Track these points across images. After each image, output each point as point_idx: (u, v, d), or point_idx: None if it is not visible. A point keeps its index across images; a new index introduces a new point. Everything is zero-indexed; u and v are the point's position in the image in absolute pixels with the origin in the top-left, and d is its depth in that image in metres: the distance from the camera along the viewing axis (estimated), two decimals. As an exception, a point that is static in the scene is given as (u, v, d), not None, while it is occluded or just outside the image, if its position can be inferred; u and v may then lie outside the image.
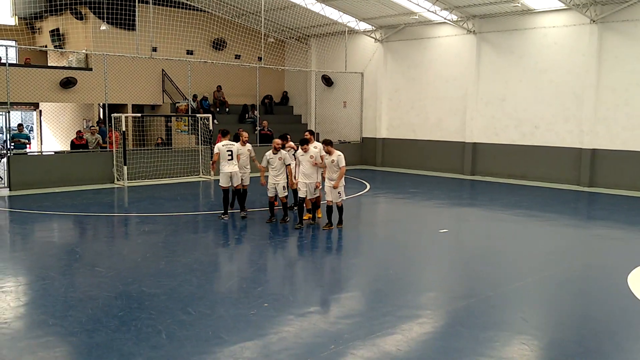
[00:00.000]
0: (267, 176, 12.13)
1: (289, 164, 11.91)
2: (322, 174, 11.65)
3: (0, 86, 17.10)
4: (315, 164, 11.43)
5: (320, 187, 11.69)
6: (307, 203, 11.94)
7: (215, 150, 12.58)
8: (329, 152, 11.35)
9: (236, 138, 12.94)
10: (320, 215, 12.14)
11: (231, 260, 9.93)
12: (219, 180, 12.69)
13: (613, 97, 17.70)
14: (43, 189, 16.46)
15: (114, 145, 18.19)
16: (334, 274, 9.11)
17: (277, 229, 11.63)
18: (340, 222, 11.59)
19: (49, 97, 21.13)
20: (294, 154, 12.13)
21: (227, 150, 12.37)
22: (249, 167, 12.97)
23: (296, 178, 11.77)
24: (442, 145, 22.08)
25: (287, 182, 11.95)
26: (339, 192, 11.34)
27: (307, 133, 12.41)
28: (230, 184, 12.47)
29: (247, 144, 12.86)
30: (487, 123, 20.78)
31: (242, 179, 12.61)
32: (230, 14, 23.34)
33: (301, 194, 11.57)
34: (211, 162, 13.22)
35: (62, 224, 12.52)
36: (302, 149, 11.45)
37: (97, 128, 19.82)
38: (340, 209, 11.55)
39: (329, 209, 11.53)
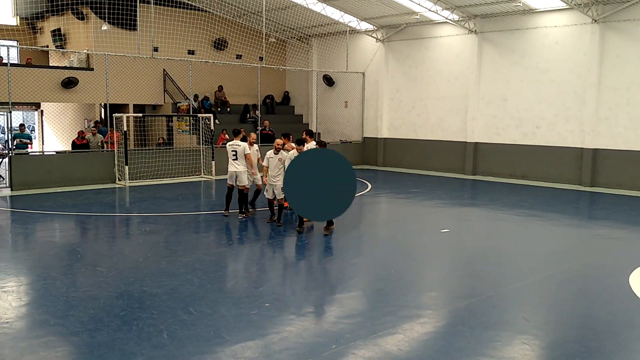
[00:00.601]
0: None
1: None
2: None
3: (2, 86, 17.13)
4: None
5: None
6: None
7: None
8: None
9: (243, 138, 12.85)
10: (307, 219, 11.77)
11: (232, 260, 9.92)
12: (225, 180, 12.81)
13: (614, 97, 17.68)
14: (44, 189, 16.48)
15: (115, 145, 18.21)
16: (335, 273, 9.11)
17: (278, 229, 11.62)
18: (328, 226, 11.25)
19: (51, 97, 21.17)
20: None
21: (232, 150, 12.43)
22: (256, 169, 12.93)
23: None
24: (444, 145, 22.07)
25: None
26: None
27: (304, 132, 12.40)
28: (234, 184, 12.50)
29: (254, 145, 12.90)
30: (488, 123, 20.77)
31: (252, 180, 12.64)
32: (231, 14, 23.35)
33: None
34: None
35: (63, 224, 12.54)
36: (297, 149, 11.40)
37: (96, 129, 19.81)
38: None
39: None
